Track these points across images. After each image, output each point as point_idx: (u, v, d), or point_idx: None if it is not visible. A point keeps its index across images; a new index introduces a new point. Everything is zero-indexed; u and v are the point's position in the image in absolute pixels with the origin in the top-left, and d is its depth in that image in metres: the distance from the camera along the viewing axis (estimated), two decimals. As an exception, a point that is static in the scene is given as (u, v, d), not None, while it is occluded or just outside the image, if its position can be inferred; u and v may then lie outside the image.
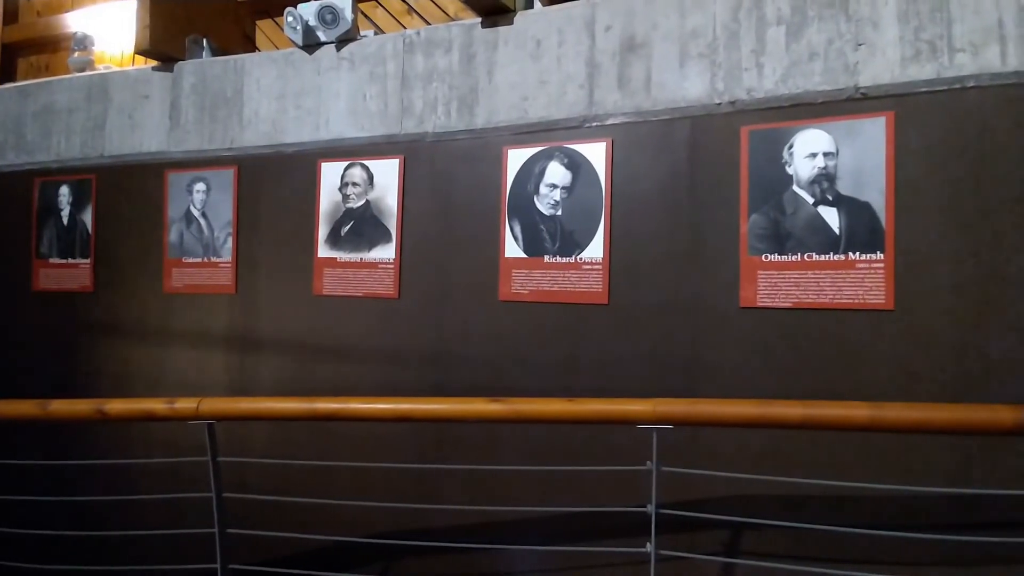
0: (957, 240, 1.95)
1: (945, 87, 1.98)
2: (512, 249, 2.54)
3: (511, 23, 2.58)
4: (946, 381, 1.95)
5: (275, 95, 2.98)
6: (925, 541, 1.83)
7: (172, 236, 3.15)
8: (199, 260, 3.09)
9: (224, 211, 3.05)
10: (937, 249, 1.97)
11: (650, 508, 1.87)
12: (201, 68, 3.14)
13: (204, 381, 3.01)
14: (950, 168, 1.97)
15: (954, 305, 1.94)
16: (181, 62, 3.19)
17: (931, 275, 1.97)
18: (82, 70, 3.71)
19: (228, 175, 3.04)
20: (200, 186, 3.09)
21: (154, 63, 3.23)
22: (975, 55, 1.94)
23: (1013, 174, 1.90)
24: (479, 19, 2.63)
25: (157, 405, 2.15)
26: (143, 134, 3.23)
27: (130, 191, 3.25)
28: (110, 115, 3.31)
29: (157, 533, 2.36)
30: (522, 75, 2.55)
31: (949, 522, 1.92)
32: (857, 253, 2.05)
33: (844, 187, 2.07)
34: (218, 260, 3.05)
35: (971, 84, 1.95)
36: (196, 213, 3.11)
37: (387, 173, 2.76)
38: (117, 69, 3.52)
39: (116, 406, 2.19)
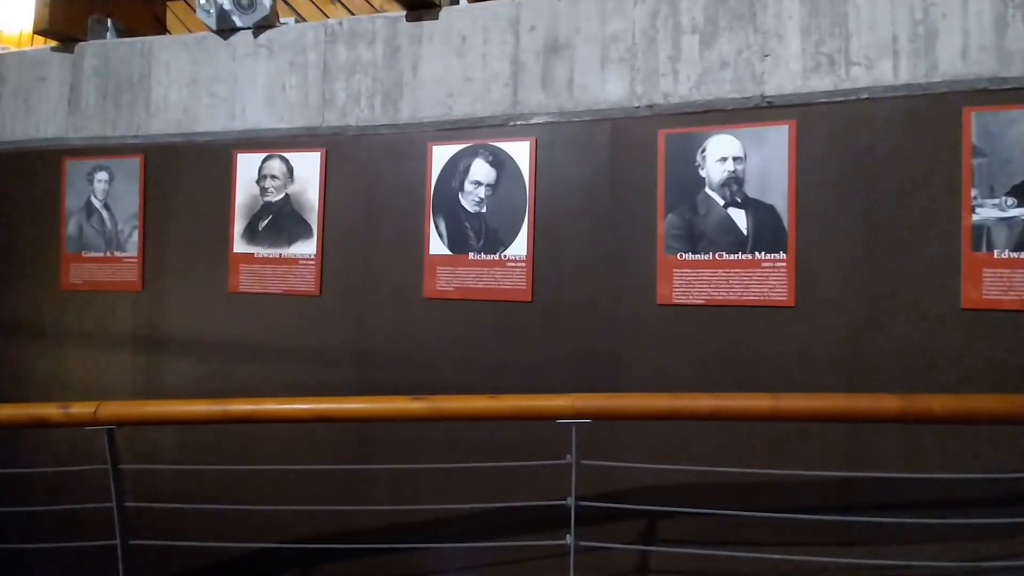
0: (851, 241, 2.09)
1: (842, 98, 2.12)
2: (437, 246, 2.52)
3: (436, 18, 2.56)
4: (842, 372, 2.09)
5: (186, 81, 2.83)
6: (824, 521, 1.96)
7: (70, 228, 2.94)
8: (101, 255, 2.90)
9: (129, 202, 2.87)
10: (833, 249, 2.10)
11: (570, 501, 1.91)
12: (104, 50, 2.95)
13: (107, 384, 2.83)
14: (845, 173, 2.10)
15: (849, 301, 2.08)
16: (83, 43, 2.98)
17: (828, 274, 2.10)
18: (-28, 49, 3.41)
19: (134, 164, 2.86)
20: (102, 175, 2.90)
21: (53, 43, 3.01)
22: (870, 68, 2.09)
23: (901, 179, 2.06)
24: (404, 12, 2.60)
25: (51, 411, 2.01)
26: (39, 118, 3.00)
27: (24, 179, 3.01)
28: (3, 98, 3.07)
29: (54, 546, 2.20)
30: (447, 71, 2.53)
31: (844, 503, 2.06)
32: (763, 253, 2.16)
33: (751, 190, 2.18)
34: (122, 255, 2.87)
35: (865, 96, 2.09)
36: (98, 204, 2.91)
37: (308, 166, 2.68)
38: (13, 50, 3.26)
39: (4, 412, 2.06)
